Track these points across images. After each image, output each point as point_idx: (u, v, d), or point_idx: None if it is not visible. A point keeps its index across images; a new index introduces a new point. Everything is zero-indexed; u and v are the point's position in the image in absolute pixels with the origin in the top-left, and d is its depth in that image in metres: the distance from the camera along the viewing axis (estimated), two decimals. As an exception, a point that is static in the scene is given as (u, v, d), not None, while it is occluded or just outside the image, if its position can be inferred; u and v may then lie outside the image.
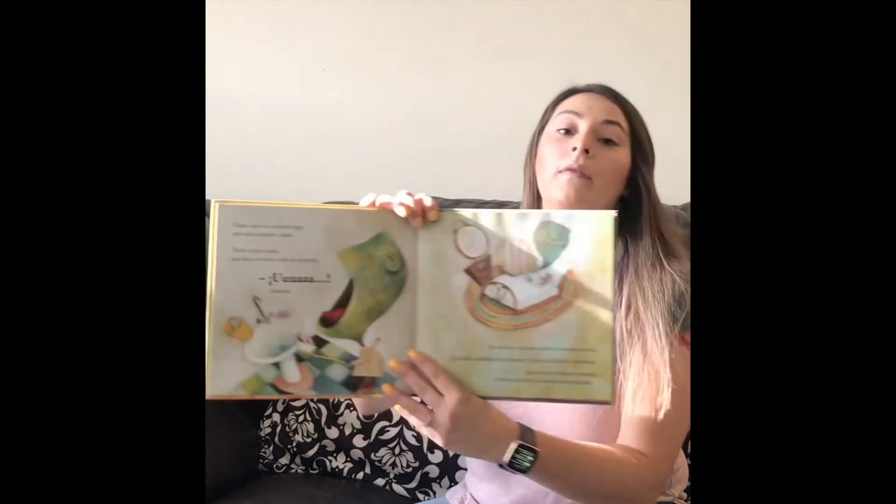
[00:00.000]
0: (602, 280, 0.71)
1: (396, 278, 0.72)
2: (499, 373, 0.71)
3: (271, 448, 1.32)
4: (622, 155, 0.89)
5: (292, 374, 0.71)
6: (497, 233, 0.73)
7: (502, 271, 0.72)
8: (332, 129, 1.58)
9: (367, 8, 1.55)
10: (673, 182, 0.92)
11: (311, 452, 1.30)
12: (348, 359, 0.72)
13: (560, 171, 0.88)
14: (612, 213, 0.71)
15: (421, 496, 1.25)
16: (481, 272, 0.72)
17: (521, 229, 0.72)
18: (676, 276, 0.84)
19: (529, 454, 0.71)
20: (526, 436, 0.72)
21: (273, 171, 1.59)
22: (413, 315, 0.72)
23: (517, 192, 0.99)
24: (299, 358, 0.71)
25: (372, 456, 1.28)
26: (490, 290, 0.72)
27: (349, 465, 1.29)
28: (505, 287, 0.72)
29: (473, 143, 1.56)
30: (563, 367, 0.71)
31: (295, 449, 1.31)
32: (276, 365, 0.70)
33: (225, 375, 0.69)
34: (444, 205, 1.45)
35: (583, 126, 0.89)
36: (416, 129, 1.57)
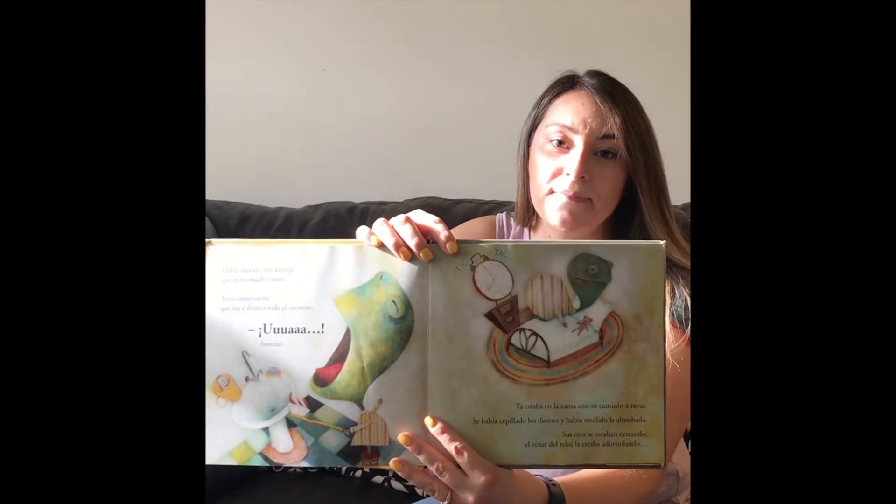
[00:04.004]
0: (651, 323, 0.60)
1: (401, 327, 0.61)
2: (529, 437, 0.61)
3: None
4: (619, 168, 0.85)
5: (283, 441, 0.62)
6: (524, 269, 0.61)
7: (531, 315, 0.61)
8: (332, 129, 1.58)
9: (368, 8, 1.55)
10: (673, 182, 0.91)
11: (309, 451, 1.30)
12: (346, 424, 0.61)
13: (554, 193, 0.85)
14: (662, 244, 0.61)
15: (419, 491, 1.25)
16: (506, 317, 0.61)
17: (553, 264, 0.61)
18: (673, 286, 0.82)
19: None
20: (555, 497, 0.67)
21: (273, 170, 1.59)
22: (422, 370, 0.61)
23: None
24: (291, 423, 0.61)
25: (371, 455, 1.27)
26: (517, 339, 0.61)
27: (348, 463, 1.28)
28: (535, 334, 0.61)
29: (473, 143, 1.55)
30: (606, 428, 0.60)
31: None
32: (266, 430, 0.62)
33: (213, 441, 0.61)
34: (444, 205, 1.47)
35: (578, 144, 0.83)
36: (416, 129, 1.57)
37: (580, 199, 0.83)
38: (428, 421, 0.61)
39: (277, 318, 0.62)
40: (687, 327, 0.81)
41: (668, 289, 0.82)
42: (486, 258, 0.61)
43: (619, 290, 0.61)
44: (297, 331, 0.62)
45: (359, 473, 1.28)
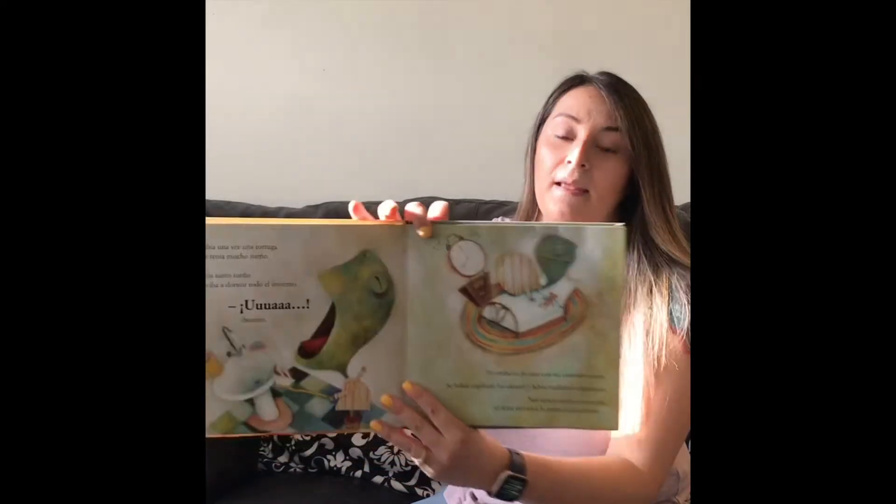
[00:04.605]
0: (611, 300, 0.65)
1: (384, 301, 0.65)
2: (498, 401, 0.66)
3: (270, 447, 1.32)
4: (621, 163, 0.86)
5: (269, 410, 0.65)
6: (496, 248, 0.65)
7: (502, 291, 0.65)
8: (332, 129, 1.58)
9: (367, 8, 1.55)
10: (673, 182, 0.91)
11: (309, 451, 1.31)
12: (330, 392, 0.65)
13: (555, 184, 0.86)
14: (622, 226, 0.65)
15: (420, 492, 1.25)
16: (478, 292, 0.65)
17: (522, 244, 0.65)
18: (672, 284, 0.83)
19: (518, 483, 0.68)
20: (515, 464, 0.68)
21: (272, 170, 1.59)
22: (402, 341, 0.65)
23: (517, 193, 0.98)
24: (276, 393, 0.65)
25: (371, 454, 1.28)
26: (488, 312, 0.65)
27: (348, 463, 1.29)
28: (504, 308, 0.65)
29: (474, 144, 1.55)
30: (568, 395, 0.66)
31: (294, 448, 1.31)
32: (251, 401, 0.65)
33: None
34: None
35: (581, 133, 0.85)
36: (416, 129, 1.57)
37: (578, 191, 0.84)
38: (406, 386, 0.65)
39: (259, 295, 0.64)
40: (683, 327, 0.81)
41: (665, 286, 0.83)
42: (461, 238, 0.65)
43: (582, 269, 0.65)
44: (281, 306, 0.64)
45: (359, 474, 1.28)
